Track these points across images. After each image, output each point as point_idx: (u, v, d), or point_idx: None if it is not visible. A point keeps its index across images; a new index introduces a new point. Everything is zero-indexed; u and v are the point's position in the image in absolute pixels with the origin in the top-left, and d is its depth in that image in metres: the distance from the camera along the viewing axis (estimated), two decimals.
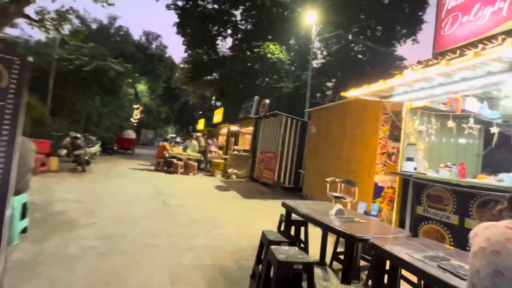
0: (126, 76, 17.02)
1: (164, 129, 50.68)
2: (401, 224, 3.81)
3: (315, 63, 13.12)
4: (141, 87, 36.47)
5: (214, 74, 16.61)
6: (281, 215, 3.39)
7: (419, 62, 3.70)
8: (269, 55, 12.33)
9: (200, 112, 40.60)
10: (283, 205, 2.98)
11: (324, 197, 6.68)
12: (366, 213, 4.19)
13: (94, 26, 27.24)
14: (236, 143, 14.32)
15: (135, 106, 37.44)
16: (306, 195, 7.13)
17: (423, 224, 3.47)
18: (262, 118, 10.31)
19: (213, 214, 4.80)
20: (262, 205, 6.20)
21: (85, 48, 15.89)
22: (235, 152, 11.34)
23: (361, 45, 13.73)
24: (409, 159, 3.81)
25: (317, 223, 2.39)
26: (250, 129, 12.36)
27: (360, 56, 13.67)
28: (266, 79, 14.02)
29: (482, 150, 4.67)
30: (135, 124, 39.20)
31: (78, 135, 9.05)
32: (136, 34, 39.73)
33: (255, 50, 12.69)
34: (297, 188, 8.91)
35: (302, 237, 3.15)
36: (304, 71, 14.14)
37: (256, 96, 11.68)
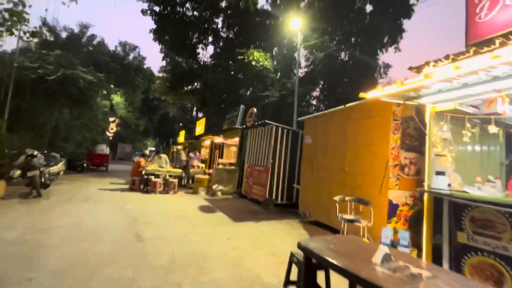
0: (98, 86, 15.67)
1: (143, 142, 48.41)
2: (436, 254, 3.09)
3: (300, 71, 12.67)
4: (117, 99, 34.64)
5: (195, 83, 15.72)
6: (292, 255, 2.54)
7: (446, 57, 3.10)
8: (253, 63, 11.74)
9: (181, 124, 39.18)
10: (301, 248, 2.13)
11: (323, 215, 5.90)
12: (394, 244, 3.44)
13: (64, 34, 25.50)
14: (220, 156, 13.35)
15: (111, 119, 35.41)
16: (304, 213, 6.33)
17: (469, 255, 2.76)
18: (249, 128, 9.52)
19: (198, 249, 3.83)
20: (256, 229, 5.30)
21: (51, 56, 14.46)
22: (220, 166, 10.39)
23: (346, 52, 13.57)
24: (439, 173, 3.14)
25: (364, 284, 1.57)
26: (236, 140, 11.50)
27: (345, 63, 13.46)
28: (251, 88, 13.37)
29: (505, 157, 4.14)
30: (111, 138, 36.99)
31: (35, 153, 7.71)
32: (112, 45, 38.07)
33: (239, 57, 12.04)
34: (291, 205, 8.11)
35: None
36: (289, 79, 13.67)
37: (241, 105, 10.93)
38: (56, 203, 6.14)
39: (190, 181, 11.74)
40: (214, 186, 9.48)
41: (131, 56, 35.66)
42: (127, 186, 9.51)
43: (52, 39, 23.47)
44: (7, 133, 12.16)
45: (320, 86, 14.48)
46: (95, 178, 12.23)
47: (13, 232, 3.92)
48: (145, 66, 33.61)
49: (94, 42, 27.56)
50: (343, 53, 14.13)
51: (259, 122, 8.46)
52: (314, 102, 16.54)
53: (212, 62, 15.71)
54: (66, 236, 3.91)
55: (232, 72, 13.43)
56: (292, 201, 8.17)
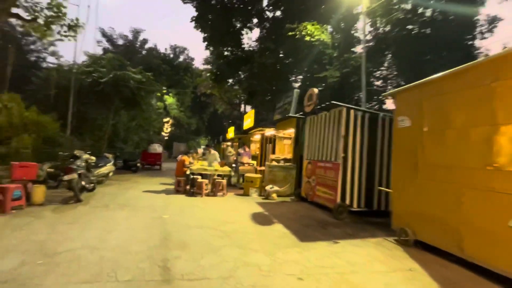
0: (148, 85, 15.62)
1: (196, 140, 50.30)
2: None
3: (362, 47, 10.13)
4: (170, 99, 36.12)
5: (240, 72, 14.49)
6: None
7: None
8: (307, 38, 9.77)
9: (230, 121, 39.09)
10: None
11: (444, 238, 3.58)
12: None
13: (120, 42, 27.16)
14: (272, 151, 11.78)
15: (165, 120, 37.22)
16: (403, 230, 4.27)
17: None
18: (308, 115, 7.66)
19: None
20: (337, 258, 3.51)
21: (104, 59, 14.85)
22: (274, 162, 8.79)
23: (425, 14, 10.42)
24: None
25: None
26: (290, 132, 9.76)
27: (429, 24, 10.28)
28: (304, 70, 11.41)
29: None
30: (166, 137, 38.98)
31: (80, 153, 7.26)
32: (162, 48, 40.11)
33: (289, 34, 10.20)
34: (371, 213, 6.06)
35: None
36: (351, 55, 11.23)
37: (295, 89, 9.11)
38: (90, 211, 5.34)
39: (240, 180, 10.47)
40: (268, 187, 7.93)
41: (181, 58, 36.74)
42: (174, 187, 8.65)
43: (111, 47, 25.06)
44: (69, 137, 12.71)
45: (389, 59, 11.52)
46: (146, 177, 11.92)
47: (12, 260, 2.94)
48: (193, 66, 34.15)
49: (146, 47, 28.79)
50: (420, 17, 10.94)
51: (323, 105, 6.54)
52: (378, 83, 13.61)
53: (257, 46, 14.16)
54: (69, 270, 2.76)
55: (281, 55, 11.67)
56: (372, 207, 6.09)
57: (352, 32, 11.61)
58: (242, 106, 28.06)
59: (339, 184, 5.91)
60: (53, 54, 27.43)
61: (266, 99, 13.17)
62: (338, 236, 4.52)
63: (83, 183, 6.29)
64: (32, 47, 26.54)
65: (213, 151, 9.18)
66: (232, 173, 8.28)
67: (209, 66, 15.86)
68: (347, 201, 5.92)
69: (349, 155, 6.00)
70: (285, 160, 9.16)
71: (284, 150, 11.23)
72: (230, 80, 15.64)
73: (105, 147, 15.32)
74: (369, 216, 6.12)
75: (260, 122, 13.04)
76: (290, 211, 6.31)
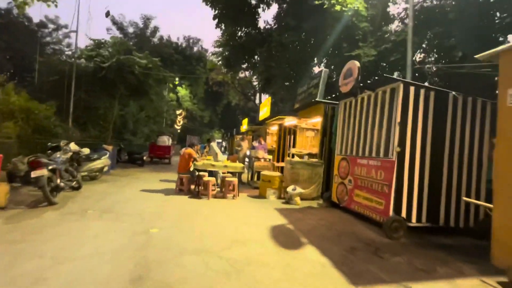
0: (155, 71, 14.36)
1: (210, 134, 49.39)
2: None
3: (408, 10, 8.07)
4: (183, 91, 35.10)
5: (256, 57, 12.84)
6: None
7: None
8: (337, 8, 7.97)
9: (244, 114, 37.63)
10: None
11: None
12: None
13: (130, 30, 26.12)
14: (293, 145, 10.19)
15: (177, 112, 36.35)
16: None
17: None
18: (342, 98, 5.99)
19: None
20: None
21: (107, 43, 13.70)
22: (296, 158, 7.21)
23: None
24: None
25: None
26: (316, 121, 8.11)
27: None
28: (330, 50, 9.61)
29: None
30: (179, 130, 38.19)
31: (65, 145, 6.03)
32: (175, 39, 38.42)
33: (316, 2, 8.42)
34: (437, 230, 4.42)
35: None
36: (387, 31, 9.28)
37: (324, 69, 7.42)
38: (57, 220, 4.04)
39: (255, 178, 9.00)
40: (290, 188, 6.39)
41: (194, 50, 35.40)
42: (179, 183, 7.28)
43: (121, 35, 24.10)
44: (68, 126, 11.71)
45: (442, 32, 9.17)
46: (150, 173, 10.71)
47: None
48: (207, 57, 32.73)
49: (158, 35, 27.65)
50: None
51: (369, 82, 4.85)
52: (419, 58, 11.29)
53: (275, 24, 12.38)
54: None
55: (303, 35, 9.96)
56: (438, 223, 4.41)
57: (390, 3, 9.62)
58: (257, 97, 26.42)
59: (393, 190, 4.27)
60: (68, 46, 26.95)
61: (286, 85, 11.47)
62: (405, 273, 2.94)
63: (58, 181, 5.02)
64: (48, 39, 26.13)
65: (214, 144, 7.78)
66: (245, 170, 6.79)
67: (220, 49, 14.26)
68: (403, 213, 4.27)
69: (407, 150, 4.33)
70: (310, 155, 7.55)
71: (306, 144, 9.60)
72: (244, 66, 14.06)
73: (110, 139, 14.31)
74: (431, 233, 4.46)
75: (279, 108, 11.47)
76: (322, 224, 4.74)
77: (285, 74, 11.17)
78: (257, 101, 27.10)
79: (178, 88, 35.37)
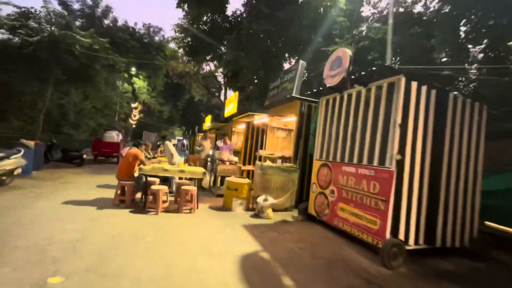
0: (103, 53, 12.15)
1: (169, 130, 46.23)
2: None
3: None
4: (140, 82, 32.00)
5: (223, 47, 11.54)
6: None
7: None
8: None
9: (207, 111, 35.78)
10: None
11: None
12: None
13: (76, 6, 22.61)
14: (260, 146, 9.22)
15: (133, 105, 33.08)
16: None
17: None
18: (327, 93, 5.13)
19: None
20: None
21: (38, 15, 11.14)
22: (268, 162, 6.21)
23: None
24: None
25: None
26: (290, 120, 7.22)
27: None
28: (306, 42, 8.86)
29: None
30: (134, 125, 34.85)
31: None
32: (133, 25, 34.03)
33: None
34: (433, 251, 3.76)
35: None
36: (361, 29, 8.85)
37: (300, 61, 6.54)
38: None
39: (218, 183, 7.79)
40: (261, 199, 5.35)
41: (155, 39, 32.30)
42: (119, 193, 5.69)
43: (64, 12, 20.61)
44: None
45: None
46: (88, 175, 8.78)
47: None
48: (168, 46, 30.07)
49: (111, 16, 24.50)
50: None
51: (363, 74, 4.04)
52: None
53: (246, 10, 11.24)
54: None
55: (277, 24, 9.00)
56: (435, 243, 3.76)
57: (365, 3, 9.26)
58: (222, 94, 25.01)
59: (391, 206, 3.48)
60: None
61: (255, 80, 10.42)
62: None
63: None
64: None
65: (169, 143, 6.41)
66: (206, 176, 5.57)
67: (181, 35, 12.60)
68: (401, 235, 3.52)
69: (407, 158, 3.59)
70: (283, 158, 6.62)
71: (277, 145, 8.69)
72: (209, 57, 12.68)
73: (40, 132, 11.73)
74: (423, 255, 3.79)
75: (247, 104, 10.40)
76: (302, 248, 3.77)
77: (255, 67, 10.15)
78: (222, 98, 25.67)
79: (135, 79, 32.14)
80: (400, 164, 3.54)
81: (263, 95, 11.59)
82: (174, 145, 13.43)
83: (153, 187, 4.93)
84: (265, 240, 3.93)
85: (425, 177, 3.71)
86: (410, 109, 3.60)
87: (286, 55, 10.59)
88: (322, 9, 7.91)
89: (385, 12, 10.14)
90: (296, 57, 11.19)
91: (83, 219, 4.14)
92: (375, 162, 3.83)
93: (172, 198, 5.93)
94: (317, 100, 5.71)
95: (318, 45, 8.80)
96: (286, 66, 11.33)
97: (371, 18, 9.31)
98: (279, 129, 8.48)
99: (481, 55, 7.55)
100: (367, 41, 7.78)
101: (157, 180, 5.68)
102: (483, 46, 7.36)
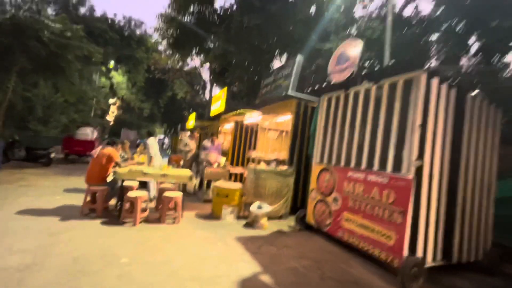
0: (76, 41, 11.02)
1: (150, 128, 44.39)
2: None
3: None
4: (119, 77, 30.32)
5: (210, 42, 10.87)
6: None
7: None
8: None
9: (191, 110, 34.59)
10: None
11: None
12: None
13: None
14: (250, 146, 8.67)
15: (111, 101, 31.28)
16: None
17: None
18: (331, 90, 4.66)
19: None
20: None
21: None
22: (263, 165, 5.67)
23: None
24: None
25: None
26: (284, 119, 6.72)
27: None
28: (299, 39, 8.42)
29: None
30: (112, 122, 33.00)
31: None
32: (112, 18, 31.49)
33: None
34: (451, 267, 3.38)
35: None
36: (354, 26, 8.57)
37: (298, 56, 6.08)
38: None
39: (204, 187, 7.12)
40: (254, 206, 4.80)
41: (137, 33, 30.61)
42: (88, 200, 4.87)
43: None
44: None
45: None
46: (55, 177, 7.78)
47: None
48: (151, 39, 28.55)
49: (87, 5, 22.88)
50: None
51: (369, 73, 3.62)
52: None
53: (237, 3, 10.61)
54: None
55: (269, 18, 8.49)
56: (451, 260, 3.40)
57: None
58: (207, 91, 24.15)
59: (409, 219, 3.06)
60: None
61: (246, 74, 9.78)
62: None
63: None
64: None
65: (153, 141, 5.72)
66: (192, 180, 4.92)
67: (166, 26, 11.69)
68: (419, 251, 3.11)
69: (426, 164, 3.18)
70: (277, 161, 6.10)
71: (267, 146, 8.16)
72: (194, 52, 11.93)
73: (0, 127, 10.42)
74: (439, 272, 3.42)
75: (237, 101, 9.78)
76: (307, 266, 3.26)
77: (245, 63, 9.56)
78: (206, 95, 24.76)
79: (113, 73, 30.42)
80: (419, 171, 3.13)
81: (251, 93, 11.03)
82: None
83: (130, 193, 4.21)
84: (264, 257, 3.38)
85: (443, 185, 3.34)
86: (430, 110, 3.20)
87: (277, 51, 10.11)
88: (316, 4, 7.51)
89: (375, 13, 9.96)
90: (287, 55, 10.75)
91: (39, 235, 3.36)
92: (389, 168, 3.40)
93: (153, 205, 5.23)
94: (316, 99, 5.25)
95: (312, 43, 8.41)
96: (277, 64, 10.88)
97: (368, 16, 9.11)
98: (270, 130, 7.96)
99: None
100: (363, 39, 7.50)
101: (135, 184, 4.95)
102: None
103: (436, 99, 3.25)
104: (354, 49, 3.77)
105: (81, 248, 3.08)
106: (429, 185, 3.19)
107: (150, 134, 6.04)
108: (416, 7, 9.64)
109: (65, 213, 4.31)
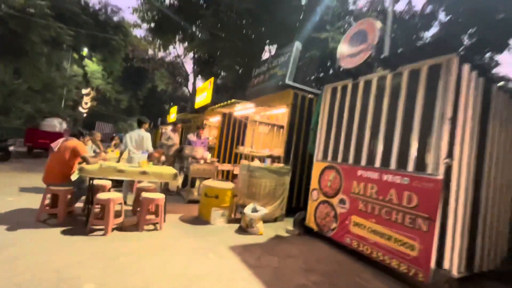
0: (40, 15, 9.71)
1: (128, 122, 42.20)
2: None
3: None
4: (93, 66, 28.29)
5: (194, 26, 9.96)
6: None
7: None
8: None
9: (172, 104, 33.12)
10: None
11: None
12: None
13: None
14: (238, 141, 8.08)
15: (84, 91, 29.18)
16: None
17: None
18: (334, 80, 4.16)
19: None
20: None
21: None
22: (257, 162, 5.09)
23: None
24: None
25: None
26: (280, 112, 6.17)
27: None
28: (292, 27, 7.82)
29: None
30: (85, 114, 30.85)
31: None
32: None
33: None
34: (480, 277, 3.00)
35: None
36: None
37: (296, 43, 5.52)
38: None
39: (189, 185, 6.43)
40: (248, 209, 4.23)
41: (115, 20, 28.48)
42: (47, 203, 4.01)
43: None
44: None
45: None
46: (11, 173, 6.72)
47: None
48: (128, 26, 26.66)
49: None
50: None
51: (384, 57, 3.14)
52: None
53: None
54: None
55: (262, 2, 7.81)
56: (474, 269, 3.04)
57: None
58: (190, 83, 23.04)
59: (437, 227, 2.63)
60: None
61: (236, 64, 9.01)
62: None
63: None
64: None
65: (132, 135, 4.95)
66: (176, 179, 4.22)
67: (144, 10, 10.57)
68: (446, 263, 2.70)
69: (455, 162, 2.77)
70: (272, 158, 5.55)
71: (258, 141, 7.60)
72: (178, 38, 10.97)
73: None
74: (462, 284, 3.05)
75: (224, 92, 9.06)
76: (317, 283, 2.75)
77: (235, 51, 8.79)
78: (189, 87, 23.57)
79: (87, 61, 28.32)
80: (447, 170, 2.70)
81: (238, 86, 10.36)
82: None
83: (101, 195, 3.47)
84: (266, 272, 2.82)
85: (470, 187, 2.95)
86: (461, 100, 2.78)
87: (267, 41, 9.47)
88: None
89: (369, 5, 9.65)
90: (277, 46, 10.18)
91: None
92: (410, 167, 2.96)
93: (129, 208, 4.49)
94: (314, 91, 4.74)
95: (307, 32, 7.90)
96: (267, 55, 10.27)
97: (368, 7, 8.79)
98: (261, 123, 7.39)
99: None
100: None
101: (108, 183, 4.19)
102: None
103: (467, 89, 2.84)
104: (372, 29, 3.28)
105: (30, 270, 2.34)
106: (457, 186, 2.79)
107: (141, 123, 5.10)
108: (410, 2, 9.42)
109: (16, 219, 3.48)
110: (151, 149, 5.04)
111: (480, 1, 6.13)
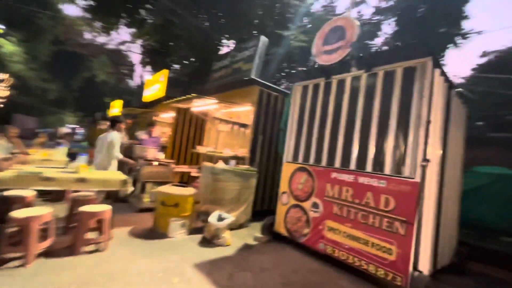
0: None
1: (58, 116, 36.49)
2: None
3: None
4: (10, 47, 23.56)
5: (147, 12, 8.78)
6: None
7: None
8: None
9: (113, 95, 29.73)
10: None
11: None
12: None
13: None
14: (195, 140, 7.46)
15: None
16: None
17: None
18: (308, 77, 3.96)
19: None
20: None
21: None
22: (221, 163, 4.61)
23: None
24: None
25: None
26: (244, 109, 5.78)
27: None
28: (251, 24, 7.45)
29: None
30: (1, 105, 25.56)
31: None
32: None
33: None
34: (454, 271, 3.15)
35: None
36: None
37: (262, 37, 5.21)
38: None
39: (139, 191, 5.58)
40: (214, 217, 3.77)
41: None
42: None
43: None
44: None
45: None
46: None
47: None
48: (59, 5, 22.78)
49: None
50: None
51: (378, 51, 3.10)
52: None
53: None
54: None
55: None
56: (437, 266, 3.18)
57: None
58: (137, 77, 20.88)
59: (415, 230, 2.62)
60: None
61: (194, 56, 8.17)
62: None
63: None
64: None
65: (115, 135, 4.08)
66: (129, 187, 3.51)
67: None
68: (421, 265, 2.71)
69: (434, 162, 2.80)
70: (237, 159, 5.13)
71: (217, 141, 7.10)
72: (124, 22, 9.54)
73: None
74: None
75: (179, 86, 8.21)
76: None
77: (192, 42, 7.98)
78: (136, 80, 21.36)
79: (2, 40, 23.41)
80: (423, 172, 2.71)
81: (194, 80, 9.67)
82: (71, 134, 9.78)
83: (17, 212, 2.60)
84: None
85: (436, 186, 3.05)
86: (435, 103, 2.82)
87: (227, 36, 8.93)
88: None
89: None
90: (236, 41, 9.75)
91: None
92: (387, 170, 2.91)
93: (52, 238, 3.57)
94: (281, 89, 4.52)
95: (268, 29, 7.65)
96: (225, 50, 9.75)
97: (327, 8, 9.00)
98: (222, 121, 6.91)
99: None
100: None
101: (31, 195, 3.24)
102: None
103: (437, 92, 2.90)
104: (350, 26, 3.15)
105: None
106: (429, 188, 2.83)
107: (115, 123, 4.08)
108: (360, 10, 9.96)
109: None
110: (119, 156, 4.24)
111: (427, 16, 6.88)
